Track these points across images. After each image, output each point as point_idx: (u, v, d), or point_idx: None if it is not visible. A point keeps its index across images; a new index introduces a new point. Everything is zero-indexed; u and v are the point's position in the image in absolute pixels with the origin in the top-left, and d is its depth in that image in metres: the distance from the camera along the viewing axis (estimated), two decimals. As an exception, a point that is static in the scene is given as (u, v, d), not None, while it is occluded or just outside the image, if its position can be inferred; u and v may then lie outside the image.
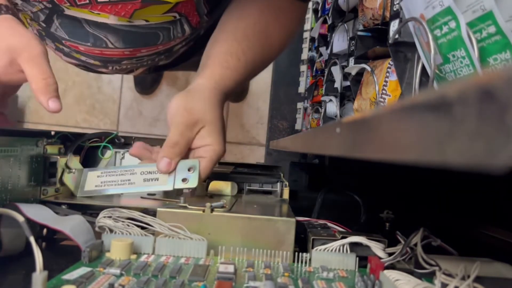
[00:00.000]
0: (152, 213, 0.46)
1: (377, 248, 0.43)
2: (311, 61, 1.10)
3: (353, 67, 0.62)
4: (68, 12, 0.67)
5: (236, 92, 1.47)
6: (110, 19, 0.68)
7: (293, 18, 0.67)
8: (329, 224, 0.52)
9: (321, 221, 0.53)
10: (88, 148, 0.60)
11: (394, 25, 0.49)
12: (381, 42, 0.56)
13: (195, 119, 0.54)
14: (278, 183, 0.64)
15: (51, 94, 0.53)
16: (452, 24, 0.37)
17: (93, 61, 0.81)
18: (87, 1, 0.64)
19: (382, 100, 0.52)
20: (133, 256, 0.41)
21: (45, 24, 0.71)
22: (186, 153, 0.55)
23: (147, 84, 1.67)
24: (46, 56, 0.55)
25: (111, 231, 0.44)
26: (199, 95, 0.56)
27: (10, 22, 0.57)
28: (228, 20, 0.64)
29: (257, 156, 1.66)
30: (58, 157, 0.52)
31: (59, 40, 0.75)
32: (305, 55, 1.18)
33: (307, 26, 1.17)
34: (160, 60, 0.88)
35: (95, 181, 0.54)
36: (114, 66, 0.84)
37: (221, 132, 0.55)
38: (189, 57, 0.94)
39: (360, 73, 0.62)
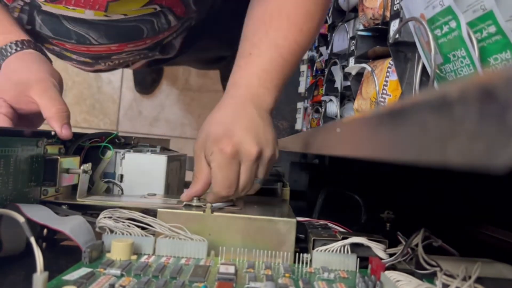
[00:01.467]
0: (153, 213, 0.46)
1: (378, 249, 0.43)
2: (311, 61, 1.10)
3: (353, 67, 0.62)
4: (45, 8, 0.66)
5: None
6: (86, 14, 0.67)
7: None
8: (330, 225, 0.52)
9: (322, 222, 0.53)
10: (88, 148, 0.60)
11: (394, 25, 0.49)
12: (381, 42, 0.56)
13: (196, 147, 0.53)
14: (279, 183, 0.64)
15: (64, 121, 0.56)
16: (453, 24, 0.37)
17: (83, 59, 0.81)
18: None
19: (382, 100, 0.52)
20: (134, 257, 0.41)
21: (30, 26, 0.70)
22: None
23: (147, 84, 1.67)
24: (57, 88, 0.60)
25: (111, 231, 0.44)
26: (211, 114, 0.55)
27: (30, 57, 0.62)
28: (244, 26, 0.61)
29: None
30: (58, 157, 0.52)
31: (47, 40, 0.74)
32: (305, 55, 1.18)
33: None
34: (155, 54, 0.87)
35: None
36: (106, 62, 0.84)
37: (217, 135, 0.50)
38: (187, 51, 0.93)
39: (360, 73, 0.62)
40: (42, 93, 0.57)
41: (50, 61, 0.67)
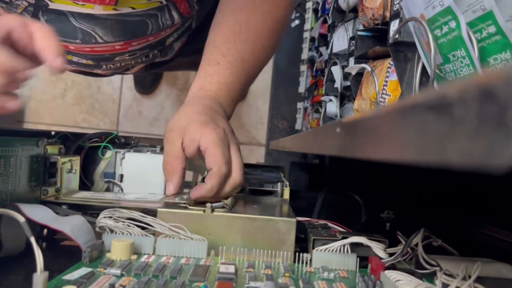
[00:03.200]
0: (153, 213, 0.46)
1: (377, 249, 0.43)
2: (311, 61, 1.10)
3: (353, 67, 0.62)
4: (52, 6, 0.66)
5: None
6: (96, 9, 0.66)
7: (278, 3, 0.64)
8: (330, 224, 0.52)
9: (322, 221, 0.53)
10: (88, 148, 0.60)
11: (394, 25, 0.49)
12: (381, 42, 0.56)
13: (171, 135, 0.52)
14: (279, 183, 0.64)
15: (56, 52, 0.46)
16: (452, 24, 0.37)
17: (85, 61, 0.81)
18: None
19: (382, 100, 0.52)
20: (134, 257, 0.41)
21: None
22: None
23: (147, 84, 1.67)
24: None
25: (111, 231, 0.44)
26: (174, 116, 0.55)
27: None
28: (211, 32, 0.63)
29: (257, 156, 1.66)
30: (58, 157, 0.52)
31: None
32: (305, 55, 1.18)
33: (307, 26, 1.17)
34: (155, 56, 0.87)
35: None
36: (107, 64, 0.83)
37: (205, 121, 0.51)
38: (185, 54, 0.93)
39: (360, 73, 0.62)
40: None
41: None
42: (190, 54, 0.93)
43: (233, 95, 0.60)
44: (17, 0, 0.65)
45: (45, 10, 0.67)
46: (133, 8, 0.69)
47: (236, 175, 0.50)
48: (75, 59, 0.80)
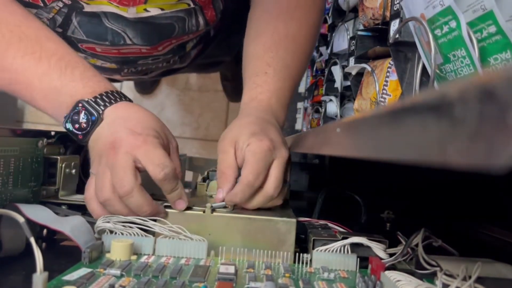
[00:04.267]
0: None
1: (378, 249, 0.43)
2: (311, 61, 1.10)
3: (353, 67, 0.62)
4: (87, 8, 0.67)
5: (234, 90, 1.47)
6: (129, 13, 0.68)
7: (310, 9, 0.66)
8: (330, 225, 0.52)
9: (322, 222, 0.53)
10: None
11: (394, 25, 0.49)
12: (381, 42, 0.56)
13: (224, 144, 0.52)
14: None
15: (180, 195, 0.48)
16: (453, 24, 0.37)
17: (109, 64, 0.81)
18: None
19: (382, 100, 0.52)
20: (134, 257, 0.41)
21: (61, 29, 0.70)
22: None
23: (147, 84, 1.67)
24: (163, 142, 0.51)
25: (111, 232, 0.44)
26: (227, 128, 0.55)
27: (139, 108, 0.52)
28: (249, 43, 0.64)
29: (257, 156, 1.66)
30: (58, 157, 0.52)
31: (75, 44, 0.74)
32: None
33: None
34: (175, 62, 0.87)
35: None
36: (129, 68, 0.84)
37: (255, 131, 0.51)
38: (196, 61, 0.94)
39: (361, 73, 0.62)
40: (174, 152, 0.52)
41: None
42: (201, 60, 0.94)
43: (282, 101, 0.60)
44: (52, 2, 0.65)
45: (79, 12, 0.67)
46: (162, 9, 0.69)
47: (268, 188, 0.49)
48: (98, 63, 0.80)
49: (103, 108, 0.49)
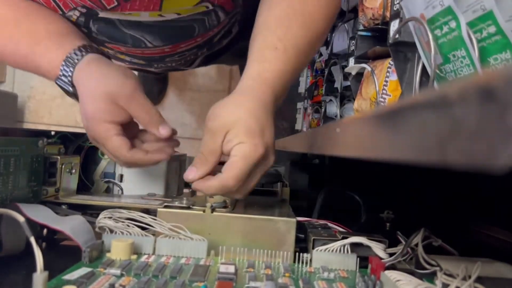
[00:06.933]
0: (153, 213, 0.46)
1: (378, 249, 0.43)
2: (311, 61, 1.10)
3: (353, 67, 0.62)
4: (102, 14, 0.67)
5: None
6: (142, 16, 0.67)
7: None
8: (330, 224, 0.52)
9: (322, 221, 0.53)
10: (88, 148, 0.60)
11: (394, 25, 0.49)
12: (381, 42, 0.56)
13: (215, 126, 0.49)
14: (279, 183, 0.64)
15: (158, 123, 0.55)
16: (452, 24, 0.37)
17: (137, 60, 0.82)
18: (116, 3, 0.63)
19: (382, 100, 0.52)
20: (134, 257, 0.41)
21: (86, 30, 0.70)
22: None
23: (154, 94, 1.67)
24: (140, 91, 0.56)
25: (111, 231, 0.44)
26: (224, 101, 0.51)
27: (98, 63, 0.57)
28: (261, 13, 0.59)
29: (257, 156, 1.66)
30: (58, 157, 0.52)
31: (102, 44, 0.75)
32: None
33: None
34: (203, 53, 0.86)
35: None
36: (159, 64, 0.84)
37: (252, 129, 0.48)
38: (235, 46, 0.90)
39: (360, 73, 0.62)
40: (129, 103, 0.54)
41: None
42: (237, 44, 0.91)
43: (287, 85, 0.56)
44: (69, 11, 0.65)
45: (95, 19, 0.67)
46: (178, 14, 0.68)
47: (240, 192, 0.48)
48: (127, 58, 0.81)
49: (70, 79, 0.56)
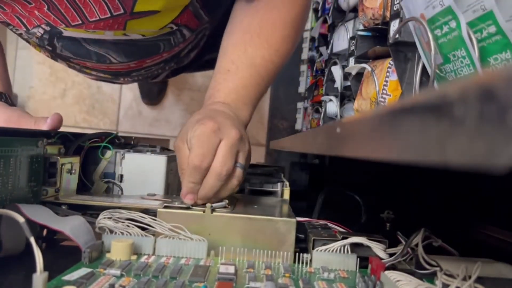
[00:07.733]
0: (153, 213, 0.46)
1: (378, 249, 0.43)
2: (311, 61, 1.10)
3: (353, 67, 0.62)
4: (66, 33, 0.68)
5: None
6: (106, 35, 0.68)
7: (287, 7, 0.63)
8: (330, 225, 0.52)
9: (322, 222, 0.53)
10: (88, 148, 0.60)
11: (394, 25, 0.49)
12: (381, 42, 0.56)
13: (177, 143, 0.52)
14: (279, 183, 0.64)
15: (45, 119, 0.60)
16: (453, 24, 0.37)
17: (103, 75, 0.83)
18: (80, 22, 0.65)
19: (382, 100, 0.52)
20: (134, 257, 0.41)
21: (51, 48, 0.72)
22: None
23: (153, 95, 1.68)
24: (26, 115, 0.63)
25: (111, 231, 0.44)
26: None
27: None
28: (223, 39, 0.64)
29: (257, 156, 1.66)
30: (58, 157, 0.52)
31: (68, 59, 0.76)
32: (305, 55, 1.18)
33: (307, 25, 1.17)
34: (171, 67, 0.88)
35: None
36: (125, 78, 0.85)
37: (199, 118, 0.51)
38: (203, 58, 0.93)
39: (361, 73, 0.62)
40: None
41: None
42: (206, 56, 0.93)
43: (245, 99, 0.59)
44: (33, 28, 0.67)
45: (59, 37, 0.69)
46: (143, 35, 0.70)
47: (215, 166, 0.48)
48: (93, 72, 0.82)
49: None
